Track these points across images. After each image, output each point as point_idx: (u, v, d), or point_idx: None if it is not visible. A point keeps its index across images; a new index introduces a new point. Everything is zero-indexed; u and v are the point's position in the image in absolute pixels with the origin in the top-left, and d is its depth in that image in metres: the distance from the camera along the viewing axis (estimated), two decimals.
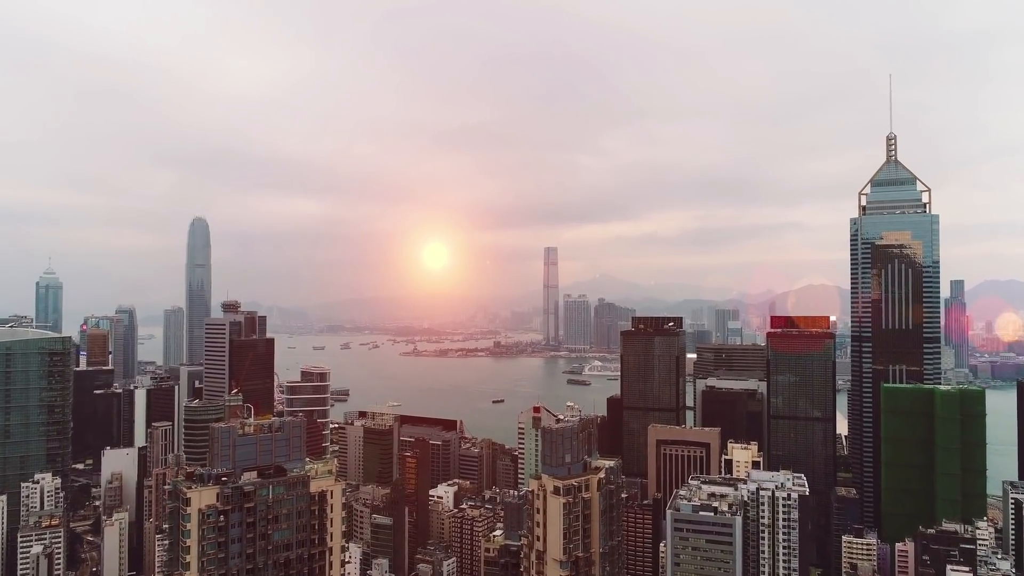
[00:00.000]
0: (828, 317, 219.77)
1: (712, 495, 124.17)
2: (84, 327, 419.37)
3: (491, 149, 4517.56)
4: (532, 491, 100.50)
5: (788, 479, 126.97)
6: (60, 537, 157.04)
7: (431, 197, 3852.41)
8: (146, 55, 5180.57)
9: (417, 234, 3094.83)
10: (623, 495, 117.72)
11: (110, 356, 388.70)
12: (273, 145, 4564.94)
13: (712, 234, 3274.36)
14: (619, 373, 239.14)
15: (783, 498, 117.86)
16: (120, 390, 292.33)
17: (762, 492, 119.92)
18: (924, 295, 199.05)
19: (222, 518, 77.77)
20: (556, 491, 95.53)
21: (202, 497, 76.15)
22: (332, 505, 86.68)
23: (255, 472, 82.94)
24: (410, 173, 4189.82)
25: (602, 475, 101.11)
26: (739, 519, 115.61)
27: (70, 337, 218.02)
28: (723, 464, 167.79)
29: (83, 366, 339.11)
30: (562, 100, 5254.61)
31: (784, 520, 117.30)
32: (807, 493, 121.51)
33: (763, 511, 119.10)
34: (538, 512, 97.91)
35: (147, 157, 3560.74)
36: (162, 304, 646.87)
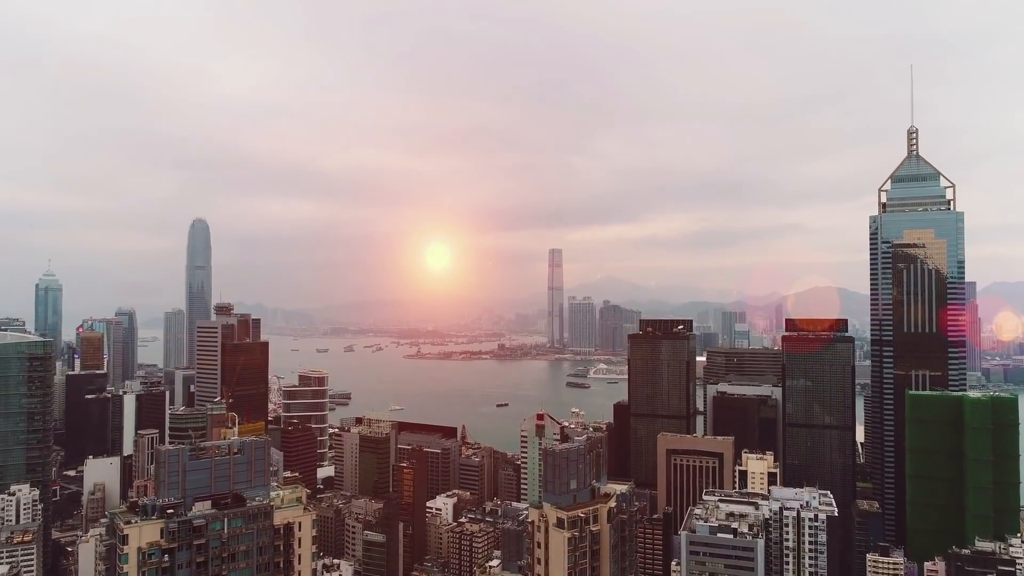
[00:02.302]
0: (846, 319, 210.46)
1: (731, 515, 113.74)
2: (80, 330, 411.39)
3: (489, 151, 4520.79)
4: (532, 522, 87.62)
5: (813, 497, 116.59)
6: (33, 553, 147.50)
7: (432, 199, 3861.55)
8: (138, 57, 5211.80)
9: (419, 237, 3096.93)
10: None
11: (105, 359, 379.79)
12: (272, 148, 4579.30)
13: (713, 236, 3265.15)
14: (623, 376, 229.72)
15: (809, 519, 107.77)
16: (111, 395, 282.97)
17: (786, 512, 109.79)
18: (948, 297, 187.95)
19: (166, 558, 66.64)
20: (559, 523, 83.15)
21: (143, 533, 65.19)
22: (300, 539, 75.09)
23: (209, 502, 71.68)
24: (410, 176, 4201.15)
25: (612, 503, 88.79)
26: (761, 542, 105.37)
27: (52, 340, 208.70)
28: (737, 475, 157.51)
29: (77, 370, 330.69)
30: (559, 102, 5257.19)
31: (811, 543, 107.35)
32: (835, 513, 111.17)
33: (787, 533, 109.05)
34: (539, 547, 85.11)
35: (146, 160, 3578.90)
36: (163, 306, 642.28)
